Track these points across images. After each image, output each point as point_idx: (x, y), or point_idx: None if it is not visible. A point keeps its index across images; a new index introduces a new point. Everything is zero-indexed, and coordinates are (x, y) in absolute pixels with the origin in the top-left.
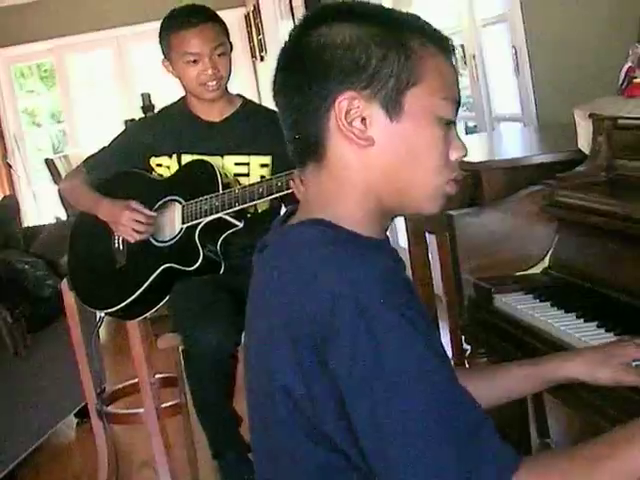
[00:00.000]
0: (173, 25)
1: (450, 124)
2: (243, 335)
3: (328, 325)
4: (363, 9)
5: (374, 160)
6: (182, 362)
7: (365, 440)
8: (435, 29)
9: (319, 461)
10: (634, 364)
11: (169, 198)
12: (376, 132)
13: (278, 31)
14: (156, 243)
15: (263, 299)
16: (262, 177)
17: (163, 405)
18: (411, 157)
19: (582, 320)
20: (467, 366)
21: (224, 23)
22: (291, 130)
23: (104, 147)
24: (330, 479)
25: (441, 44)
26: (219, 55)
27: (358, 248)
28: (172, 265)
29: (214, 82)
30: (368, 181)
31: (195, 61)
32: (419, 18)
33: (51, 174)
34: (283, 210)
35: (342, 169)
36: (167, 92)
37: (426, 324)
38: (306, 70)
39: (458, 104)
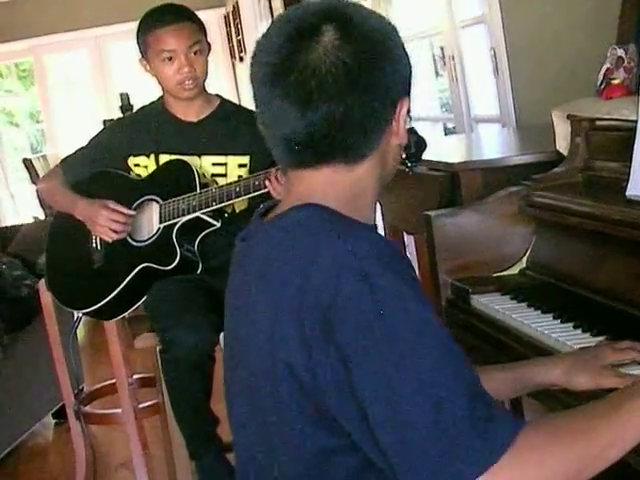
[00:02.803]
0: (150, 23)
1: None
2: (221, 335)
3: (333, 293)
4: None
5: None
6: (160, 362)
7: (374, 404)
8: None
9: (318, 445)
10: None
11: (147, 198)
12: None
13: (258, 32)
14: (134, 243)
15: (258, 281)
16: (240, 177)
17: (141, 405)
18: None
19: (559, 321)
20: None
21: (201, 22)
22: (329, 129)
23: (81, 147)
24: (328, 463)
25: None
26: (195, 53)
27: (357, 224)
28: (149, 265)
29: (190, 81)
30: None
31: (171, 59)
32: None
33: (29, 174)
34: None
35: (380, 165)
36: (146, 92)
37: (424, 295)
38: (371, 71)
39: None
